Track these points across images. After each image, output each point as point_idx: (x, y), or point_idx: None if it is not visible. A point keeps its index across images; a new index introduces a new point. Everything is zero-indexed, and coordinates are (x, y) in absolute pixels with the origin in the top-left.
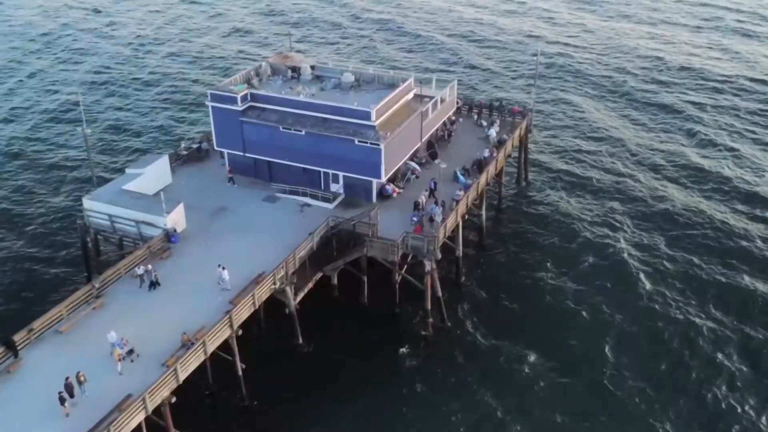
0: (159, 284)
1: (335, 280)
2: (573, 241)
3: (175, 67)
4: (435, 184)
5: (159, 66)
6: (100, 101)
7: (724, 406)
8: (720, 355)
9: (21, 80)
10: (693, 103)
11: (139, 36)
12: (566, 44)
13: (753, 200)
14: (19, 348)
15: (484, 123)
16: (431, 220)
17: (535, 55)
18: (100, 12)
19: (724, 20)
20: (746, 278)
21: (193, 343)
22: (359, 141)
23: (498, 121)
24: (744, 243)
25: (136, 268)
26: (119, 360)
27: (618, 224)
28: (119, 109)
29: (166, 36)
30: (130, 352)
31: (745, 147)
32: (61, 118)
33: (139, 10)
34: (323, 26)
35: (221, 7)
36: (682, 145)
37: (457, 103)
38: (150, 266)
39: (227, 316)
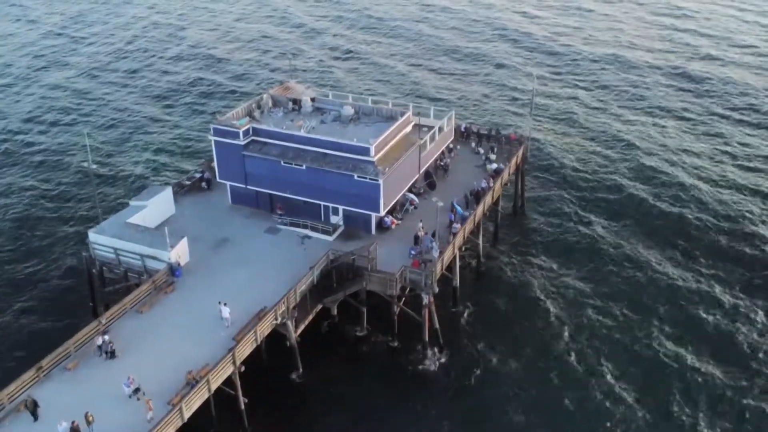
0: (116, 356)
1: (335, 311)
2: (570, 267)
3: (178, 94)
4: (454, 216)
5: (162, 95)
6: (102, 124)
7: None
8: None
9: (22, 115)
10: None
11: (141, 66)
12: (564, 65)
13: None
14: (28, 387)
15: (482, 150)
16: (428, 260)
17: (531, 88)
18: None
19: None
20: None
21: (197, 381)
22: (359, 176)
23: (495, 148)
24: None
25: (95, 338)
26: (151, 409)
27: (616, 249)
28: (124, 137)
29: (169, 65)
30: (137, 390)
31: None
32: (65, 151)
33: (144, 38)
34: (321, 52)
35: (225, 33)
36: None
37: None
38: (107, 337)
39: (230, 354)
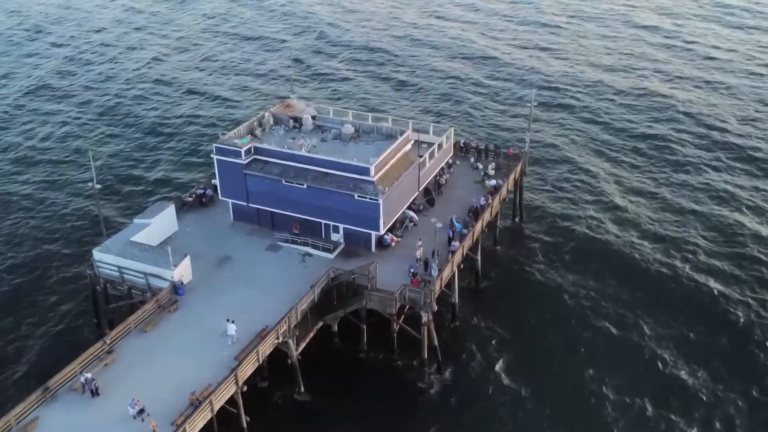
0: (98, 394)
1: (336, 328)
2: (568, 281)
3: (181, 112)
4: (453, 233)
5: (165, 112)
6: (106, 143)
7: None
8: None
9: (29, 133)
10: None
11: (145, 83)
12: (564, 82)
13: None
14: (34, 408)
15: (480, 166)
16: (427, 280)
17: (529, 101)
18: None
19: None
20: None
21: (200, 402)
22: (359, 196)
23: (494, 164)
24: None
25: (79, 376)
26: (155, 430)
27: (613, 266)
28: (127, 155)
29: (172, 81)
30: (141, 411)
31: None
32: (70, 175)
33: (142, 57)
34: (321, 68)
35: (227, 50)
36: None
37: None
38: (90, 375)
39: (233, 374)
